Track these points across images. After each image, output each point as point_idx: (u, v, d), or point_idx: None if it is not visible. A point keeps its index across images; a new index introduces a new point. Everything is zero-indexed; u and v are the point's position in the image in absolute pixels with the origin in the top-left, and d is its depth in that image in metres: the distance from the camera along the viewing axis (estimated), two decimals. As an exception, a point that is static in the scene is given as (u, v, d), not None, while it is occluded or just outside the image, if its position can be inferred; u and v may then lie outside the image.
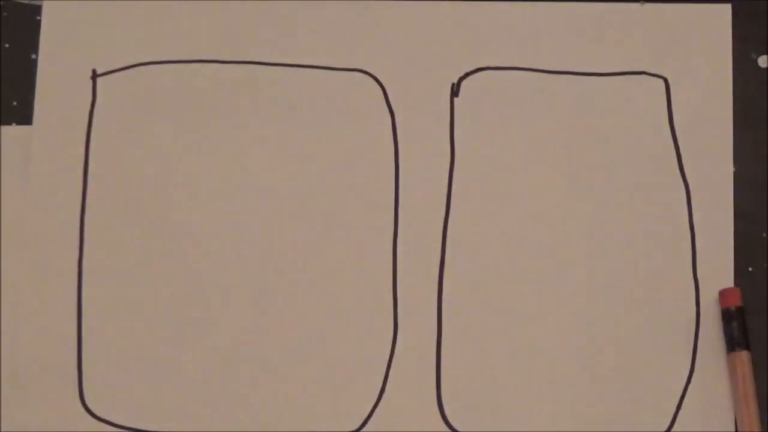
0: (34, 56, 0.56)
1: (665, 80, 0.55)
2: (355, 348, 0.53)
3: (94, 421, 0.52)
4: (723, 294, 0.52)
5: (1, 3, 0.57)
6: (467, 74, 0.55)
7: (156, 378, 0.53)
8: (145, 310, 0.53)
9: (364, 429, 0.52)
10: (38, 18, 0.56)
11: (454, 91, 0.55)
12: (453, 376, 0.52)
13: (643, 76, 0.55)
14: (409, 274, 0.53)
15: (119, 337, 0.53)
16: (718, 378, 0.52)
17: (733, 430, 0.51)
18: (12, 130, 0.55)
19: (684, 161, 0.54)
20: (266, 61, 0.56)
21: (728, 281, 0.53)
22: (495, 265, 0.54)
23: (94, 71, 0.56)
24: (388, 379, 0.52)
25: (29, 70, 0.56)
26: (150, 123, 0.55)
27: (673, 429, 0.52)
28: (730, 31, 0.55)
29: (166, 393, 0.52)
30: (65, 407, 0.52)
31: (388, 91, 0.55)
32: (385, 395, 0.52)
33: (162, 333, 0.53)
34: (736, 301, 0.52)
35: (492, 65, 0.56)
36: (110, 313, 0.53)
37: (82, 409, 0.52)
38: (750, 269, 0.53)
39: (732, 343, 0.52)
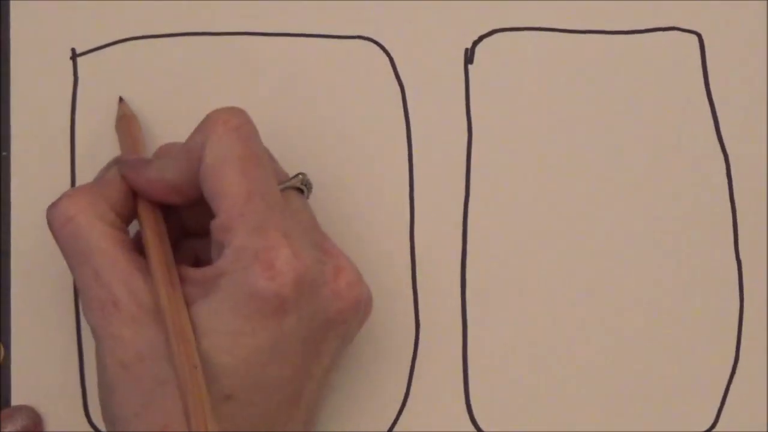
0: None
1: (699, 36, 0.51)
2: (375, 349, 0.49)
3: (102, 436, 0.50)
4: None
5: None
6: (481, 38, 0.51)
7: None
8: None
9: (391, 432, 0.50)
10: (7, -4, 0.52)
11: (468, 57, 0.51)
12: (481, 375, 0.49)
13: (674, 32, 0.51)
14: (429, 266, 0.50)
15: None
16: (765, 369, 0.49)
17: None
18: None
19: (722, 127, 0.50)
20: (260, 31, 0.51)
21: (773, 261, 0.50)
22: (522, 252, 0.50)
23: (73, 50, 0.51)
24: (413, 381, 0.49)
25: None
26: (141, 104, 0.51)
27: (715, 430, 0.49)
28: (768, -23, 0.51)
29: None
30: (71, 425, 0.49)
31: (395, 60, 0.51)
32: (409, 399, 0.49)
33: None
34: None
35: (508, 26, 0.51)
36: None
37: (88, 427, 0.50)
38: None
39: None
